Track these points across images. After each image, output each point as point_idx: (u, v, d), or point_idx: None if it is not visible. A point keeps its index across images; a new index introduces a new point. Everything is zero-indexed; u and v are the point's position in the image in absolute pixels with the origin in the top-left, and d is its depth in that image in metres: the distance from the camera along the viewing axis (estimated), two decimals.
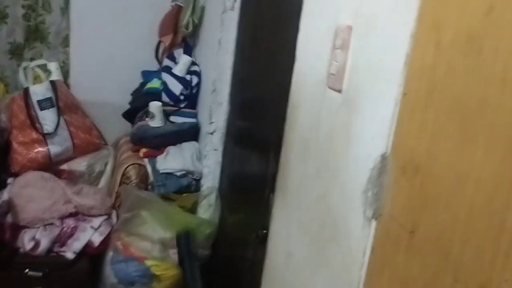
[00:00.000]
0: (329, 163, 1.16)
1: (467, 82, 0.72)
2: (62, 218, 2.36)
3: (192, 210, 2.47)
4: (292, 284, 1.34)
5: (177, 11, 2.80)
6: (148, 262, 2.25)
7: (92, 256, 2.39)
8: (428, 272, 0.77)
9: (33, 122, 2.59)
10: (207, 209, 2.42)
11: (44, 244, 2.29)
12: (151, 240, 2.26)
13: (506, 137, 0.64)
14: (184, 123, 2.55)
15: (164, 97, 2.62)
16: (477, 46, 0.71)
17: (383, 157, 0.93)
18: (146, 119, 2.60)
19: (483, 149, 0.68)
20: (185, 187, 2.44)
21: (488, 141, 0.67)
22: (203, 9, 2.70)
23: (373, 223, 0.95)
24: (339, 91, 1.12)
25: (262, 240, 1.62)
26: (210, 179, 2.44)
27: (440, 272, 0.74)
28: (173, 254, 2.27)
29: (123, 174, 2.49)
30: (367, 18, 1.02)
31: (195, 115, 2.62)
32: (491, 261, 0.65)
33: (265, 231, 1.61)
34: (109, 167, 2.78)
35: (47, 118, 2.62)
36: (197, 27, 2.73)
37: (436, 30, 0.79)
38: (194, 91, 2.63)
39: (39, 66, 2.85)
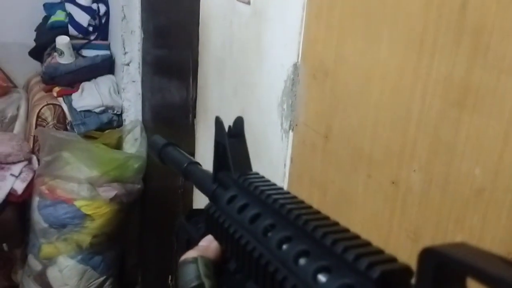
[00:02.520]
0: (244, 79, 1.14)
1: None
2: None
3: (118, 146, 2.40)
4: None
5: None
6: (78, 203, 2.19)
7: (18, 204, 2.29)
8: (343, 173, 0.79)
9: None
10: (133, 143, 2.36)
11: None
12: (77, 180, 2.19)
13: (407, 29, 0.64)
14: (97, 56, 2.40)
15: (71, 30, 2.44)
16: None
17: (295, 66, 0.92)
18: (55, 55, 2.42)
19: (387, 44, 0.68)
20: (107, 123, 2.34)
21: (391, 35, 0.67)
22: None
23: (291, 134, 0.95)
24: (248, 2, 1.07)
25: None
26: (132, 113, 2.36)
27: (354, 171, 0.76)
28: (103, 192, 2.22)
29: (38, 116, 2.35)
30: None
31: (107, 47, 2.47)
32: (399, 153, 0.67)
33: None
34: (22, 111, 2.61)
35: None
36: None
37: None
38: (103, 20, 2.47)
39: None
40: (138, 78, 2.30)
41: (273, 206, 0.34)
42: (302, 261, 0.30)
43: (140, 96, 2.34)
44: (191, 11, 1.50)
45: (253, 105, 1.10)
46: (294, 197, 0.35)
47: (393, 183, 0.67)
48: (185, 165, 0.49)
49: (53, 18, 2.53)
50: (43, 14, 2.70)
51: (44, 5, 2.71)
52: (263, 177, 0.39)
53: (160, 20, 2.09)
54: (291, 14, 0.90)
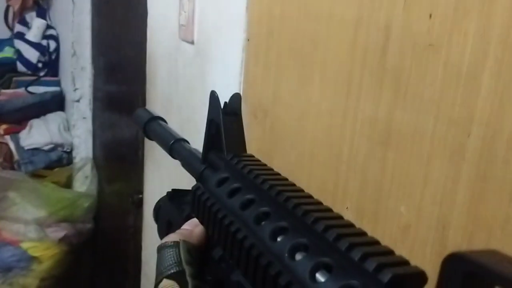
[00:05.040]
0: (191, 117, 1.15)
1: (300, 22, 0.73)
2: None
3: (67, 184, 2.34)
4: None
5: None
6: (24, 245, 2.11)
7: None
8: None
9: None
10: (84, 181, 2.31)
11: None
12: (24, 221, 2.11)
13: (335, 72, 0.66)
14: (46, 92, 2.36)
15: (20, 67, 2.40)
16: None
17: None
18: (2, 91, 2.37)
19: (319, 85, 0.70)
20: (56, 161, 2.29)
21: (322, 78, 0.69)
22: None
23: None
24: (191, 42, 1.09)
25: (139, 205, 1.58)
26: (83, 150, 2.32)
27: None
28: (51, 232, 2.15)
29: None
30: None
31: (57, 83, 2.44)
32: (333, 191, 0.68)
33: (140, 196, 1.57)
34: None
35: None
36: None
37: None
38: (53, 57, 2.44)
39: None
40: (89, 114, 2.28)
41: (269, 193, 0.30)
42: (299, 256, 0.26)
43: (91, 132, 2.30)
44: (141, 47, 1.50)
45: (200, 143, 1.11)
46: (293, 184, 0.31)
47: None
48: (171, 142, 0.46)
49: (0, 55, 2.48)
50: None
51: None
52: (259, 160, 0.35)
53: (110, 56, 2.08)
54: (232, 55, 0.92)
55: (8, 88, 2.41)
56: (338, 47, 0.65)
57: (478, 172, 0.48)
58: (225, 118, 0.38)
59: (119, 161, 2.06)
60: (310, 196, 0.30)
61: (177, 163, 1.37)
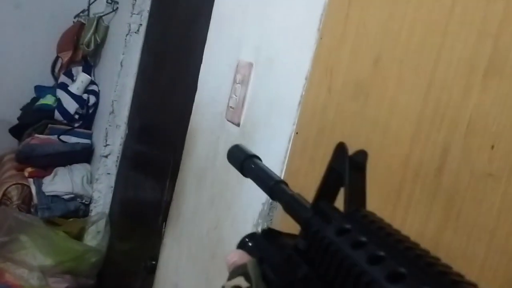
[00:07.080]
0: (223, 193, 1.16)
1: (354, 125, 0.76)
2: None
3: (79, 236, 2.33)
4: None
5: (79, 27, 2.69)
6: None
7: None
8: None
9: None
10: (95, 236, 2.30)
11: None
12: (29, 267, 2.09)
13: (385, 180, 0.68)
14: (77, 143, 2.42)
15: (57, 115, 2.48)
16: (364, 92, 0.76)
17: None
18: (36, 135, 2.44)
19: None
20: (73, 211, 2.30)
21: (370, 184, 0.71)
22: (107, 28, 2.62)
23: None
24: (237, 124, 1.13)
25: (151, 271, 1.56)
26: (101, 204, 2.33)
27: None
28: (53, 283, 2.11)
29: (4, 194, 2.29)
30: (267, 56, 1.06)
31: (89, 136, 2.51)
32: None
33: (154, 262, 1.56)
34: None
35: None
36: (99, 46, 2.64)
37: (329, 75, 0.84)
38: (90, 111, 2.53)
39: None
40: (114, 171, 2.31)
41: (403, 252, 0.30)
42: None
43: (112, 189, 2.32)
44: (181, 116, 1.56)
45: (228, 221, 1.12)
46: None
47: None
48: (272, 183, 0.45)
49: (41, 101, 2.58)
50: (33, 95, 2.76)
51: (35, 87, 2.78)
52: (382, 219, 0.34)
53: (147, 118, 2.15)
54: (277, 144, 0.95)
55: (42, 133, 2.48)
56: (391, 157, 0.68)
57: None
58: (350, 171, 0.37)
59: (136, 222, 2.06)
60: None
61: (200, 235, 1.35)
